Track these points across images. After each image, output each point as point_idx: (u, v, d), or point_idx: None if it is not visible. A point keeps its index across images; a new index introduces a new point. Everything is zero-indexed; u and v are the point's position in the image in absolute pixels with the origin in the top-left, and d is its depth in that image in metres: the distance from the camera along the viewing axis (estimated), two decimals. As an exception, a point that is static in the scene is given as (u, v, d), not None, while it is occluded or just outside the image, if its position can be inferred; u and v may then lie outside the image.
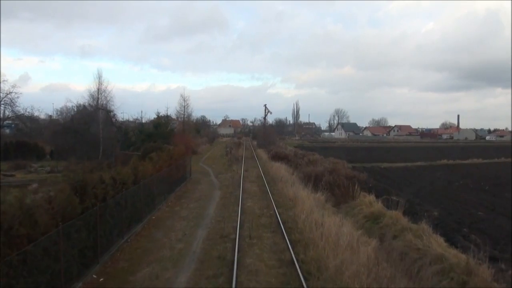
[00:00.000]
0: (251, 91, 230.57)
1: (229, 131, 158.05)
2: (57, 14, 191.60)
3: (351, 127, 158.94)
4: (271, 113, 71.64)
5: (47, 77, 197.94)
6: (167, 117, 46.42)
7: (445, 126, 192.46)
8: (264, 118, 71.81)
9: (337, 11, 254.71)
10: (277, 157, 37.79)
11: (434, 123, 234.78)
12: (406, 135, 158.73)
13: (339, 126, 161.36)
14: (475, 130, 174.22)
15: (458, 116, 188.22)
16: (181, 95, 51.26)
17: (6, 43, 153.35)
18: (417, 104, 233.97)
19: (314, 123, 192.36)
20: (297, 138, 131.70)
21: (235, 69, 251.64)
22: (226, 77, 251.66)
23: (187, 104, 53.23)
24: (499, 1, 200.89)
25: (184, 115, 52.62)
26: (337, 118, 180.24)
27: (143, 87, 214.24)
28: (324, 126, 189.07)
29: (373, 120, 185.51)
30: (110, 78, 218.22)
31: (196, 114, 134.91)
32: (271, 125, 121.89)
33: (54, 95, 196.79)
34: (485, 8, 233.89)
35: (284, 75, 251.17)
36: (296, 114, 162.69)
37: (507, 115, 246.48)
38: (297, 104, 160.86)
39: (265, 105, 70.34)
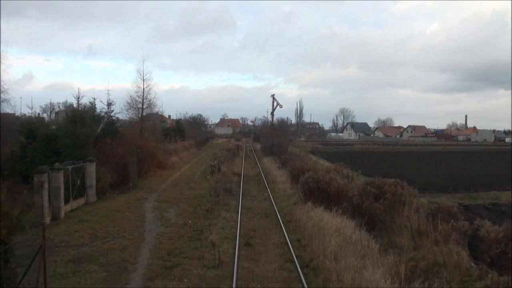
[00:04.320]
0: (255, 91, 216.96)
1: (228, 131, 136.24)
2: (65, 13, 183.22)
3: (361, 128, 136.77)
4: (281, 106, 49.61)
5: (51, 76, 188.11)
6: (109, 110, 24.11)
7: (455, 127, 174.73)
8: (272, 113, 49.49)
9: (342, 12, 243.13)
10: (318, 192, 15.52)
11: (435, 124, 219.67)
12: (422, 136, 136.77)
13: (348, 126, 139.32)
14: (493, 131, 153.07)
15: (466, 116, 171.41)
16: (138, 71, 29.41)
17: (10, 42, 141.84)
18: (419, 105, 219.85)
19: (317, 123, 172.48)
20: (303, 139, 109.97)
21: (238, 69, 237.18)
22: (228, 77, 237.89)
23: (149, 87, 29.86)
24: (507, 1, 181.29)
25: (142, 104, 30.01)
26: (342, 118, 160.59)
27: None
28: (327, 126, 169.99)
29: (379, 120, 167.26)
30: (113, 77, 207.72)
31: (194, 112, 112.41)
32: (272, 125, 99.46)
33: (57, 94, 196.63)
34: (491, 10, 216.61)
35: (288, 76, 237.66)
36: (299, 114, 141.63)
37: (508, 116, 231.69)
38: (300, 103, 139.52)
39: (272, 96, 48.16)
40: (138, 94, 29.07)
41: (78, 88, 55.65)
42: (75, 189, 17.11)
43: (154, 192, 20.43)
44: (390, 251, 10.62)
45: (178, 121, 57.33)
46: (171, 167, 31.44)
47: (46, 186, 13.99)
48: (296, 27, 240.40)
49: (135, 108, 29.18)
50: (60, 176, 15.34)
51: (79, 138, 19.32)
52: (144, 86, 28.94)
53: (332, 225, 12.15)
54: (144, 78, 28.99)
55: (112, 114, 25.35)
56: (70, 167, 16.71)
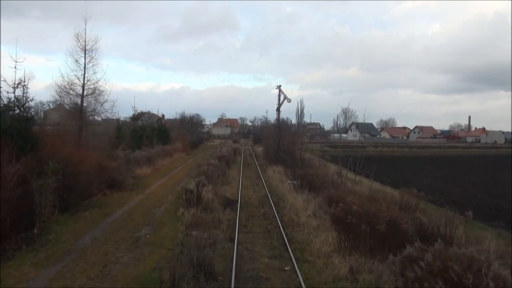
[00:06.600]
0: (255, 91, 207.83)
1: (226, 131, 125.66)
2: (67, 13, 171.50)
3: (367, 128, 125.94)
4: (289, 100, 38.70)
5: (52, 75, 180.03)
6: (19, 96, 13.15)
7: (459, 128, 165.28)
8: (278, 109, 38.58)
9: (344, 13, 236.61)
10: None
11: (434, 125, 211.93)
12: (431, 137, 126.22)
13: (353, 127, 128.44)
14: (503, 133, 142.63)
15: (470, 117, 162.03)
16: (77, 37, 18.69)
17: (11, 42, 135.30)
18: (419, 106, 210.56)
19: (319, 123, 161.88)
20: (306, 140, 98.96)
21: (239, 70, 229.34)
22: (229, 78, 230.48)
23: (95, 60, 18.16)
24: (508, 2, 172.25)
25: (83, 88, 17.95)
26: (344, 118, 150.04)
27: (148, 86, 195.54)
28: (328, 126, 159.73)
29: (381, 120, 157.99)
30: (114, 77, 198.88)
31: (193, 112, 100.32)
32: (273, 125, 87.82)
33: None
34: (493, 11, 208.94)
35: (288, 76, 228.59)
36: (300, 114, 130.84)
37: (508, 117, 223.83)
38: (301, 103, 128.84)
39: (279, 87, 37.18)
40: (77, 74, 18.01)
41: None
42: None
43: (59, 261, 9.45)
44: None
45: (159, 120, 46.12)
46: (133, 186, 20.48)
47: None
48: (298, 28, 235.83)
49: (71, 94, 18.08)
50: None
51: None
52: (86, 61, 17.86)
53: None
54: (87, 48, 17.91)
55: (24, 102, 14.45)
56: None
